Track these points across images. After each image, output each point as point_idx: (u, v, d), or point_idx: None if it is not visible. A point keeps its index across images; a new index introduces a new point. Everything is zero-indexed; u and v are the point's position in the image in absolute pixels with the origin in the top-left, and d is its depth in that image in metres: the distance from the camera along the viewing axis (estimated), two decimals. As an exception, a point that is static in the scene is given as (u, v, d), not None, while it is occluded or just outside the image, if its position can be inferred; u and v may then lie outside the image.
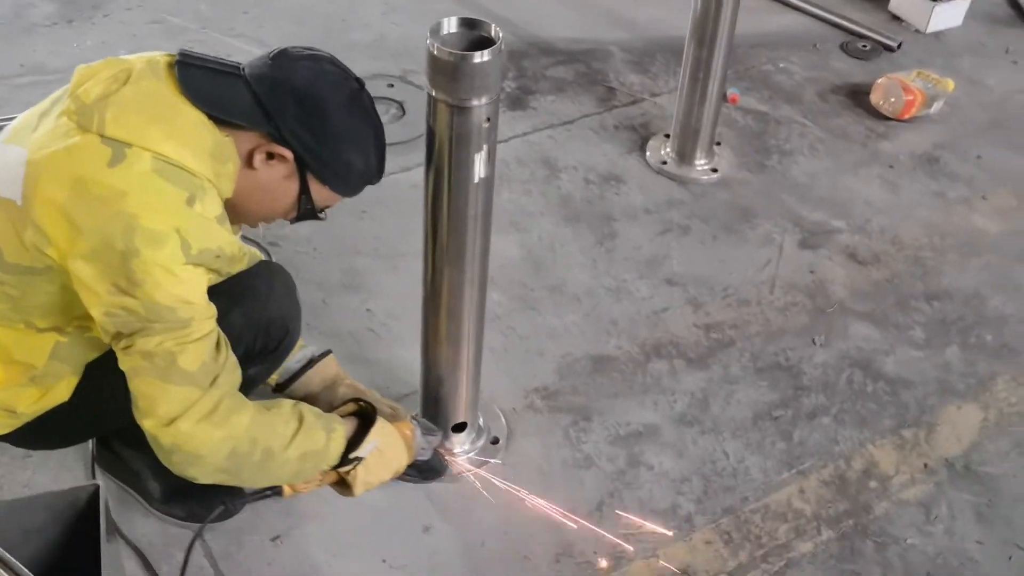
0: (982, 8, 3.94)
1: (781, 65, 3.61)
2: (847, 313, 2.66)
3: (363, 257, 2.69)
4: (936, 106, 3.35)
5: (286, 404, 1.74)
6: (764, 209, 2.98)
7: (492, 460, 2.21)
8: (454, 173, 1.78)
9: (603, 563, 2.03)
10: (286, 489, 1.84)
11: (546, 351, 2.49)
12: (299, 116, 1.62)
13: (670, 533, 2.09)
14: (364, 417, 1.90)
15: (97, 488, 1.62)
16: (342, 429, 1.80)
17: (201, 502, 1.97)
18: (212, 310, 1.61)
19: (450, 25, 1.70)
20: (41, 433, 1.80)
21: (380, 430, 1.86)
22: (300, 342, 2.05)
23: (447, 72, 1.65)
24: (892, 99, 3.32)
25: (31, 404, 1.75)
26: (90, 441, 2.05)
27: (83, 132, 1.54)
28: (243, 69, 1.65)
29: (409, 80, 3.34)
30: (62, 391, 1.76)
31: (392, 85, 3.32)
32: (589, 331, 2.55)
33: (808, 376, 2.47)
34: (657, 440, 2.29)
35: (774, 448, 2.30)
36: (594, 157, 3.12)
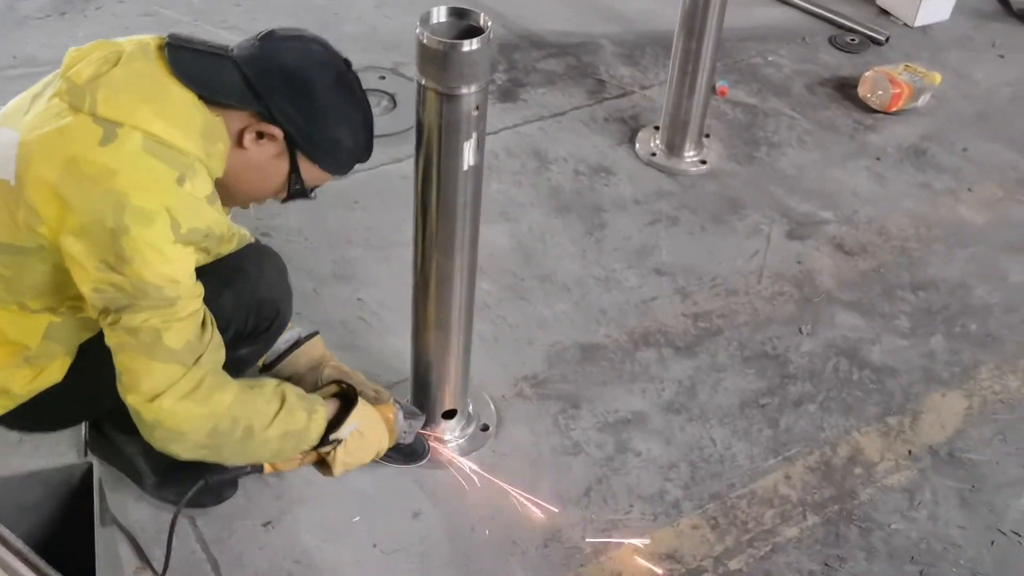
0: (969, 2, 3.96)
1: (770, 58, 3.63)
2: (834, 303, 2.68)
3: (354, 247, 2.70)
4: (923, 99, 3.37)
5: (269, 384, 1.77)
6: (752, 200, 3.00)
7: (482, 447, 2.23)
8: (443, 161, 1.80)
9: (590, 548, 2.06)
10: (267, 467, 1.87)
11: (536, 340, 2.51)
12: (288, 95, 1.64)
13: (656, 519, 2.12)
14: (346, 399, 1.92)
15: (91, 466, 1.64)
16: (323, 410, 1.83)
17: (193, 486, 1.98)
18: (199, 289, 1.63)
19: (440, 14, 1.72)
20: (35, 415, 1.82)
21: (361, 412, 1.89)
22: (288, 324, 2.06)
23: (436, 60, 1.67)
24: (879, 92, 3.34)
25: (25, 385, 1.77)
26: (82, 426, 2.06)
27: (75, 112, 1.56)
28: (232, 51, 1.67)
29: (401, 72, 3.35)
30: (55, 372, 1.77)
31: (384, 77, 3.33)
32: (578, 320, 2.57)
33: (795, 364, 2.50)
34: (645, 427, 2.32)
35: (760, 435, 2.32)
36: (584, 149, 3.14)
